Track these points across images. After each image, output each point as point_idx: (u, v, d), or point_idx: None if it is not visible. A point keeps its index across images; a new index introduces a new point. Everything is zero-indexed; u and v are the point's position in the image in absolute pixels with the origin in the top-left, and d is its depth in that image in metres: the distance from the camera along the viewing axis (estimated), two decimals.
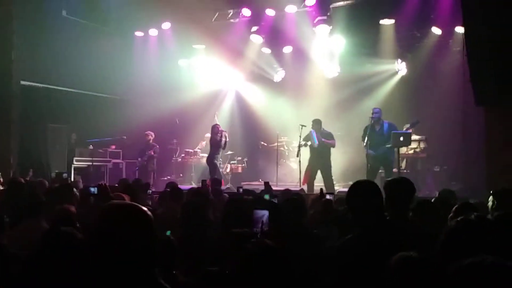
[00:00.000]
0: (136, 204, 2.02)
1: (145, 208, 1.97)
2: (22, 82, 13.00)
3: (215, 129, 12.92)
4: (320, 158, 11.29)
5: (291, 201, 5.00)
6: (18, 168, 12.24)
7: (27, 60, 12.80)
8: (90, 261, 1.95)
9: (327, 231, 4.84)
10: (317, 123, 11.44)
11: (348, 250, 3.07)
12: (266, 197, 6.13)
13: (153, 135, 14.09)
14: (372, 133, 10.73)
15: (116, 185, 8.22)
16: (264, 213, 3.85)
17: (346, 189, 10.61)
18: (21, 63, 12.72)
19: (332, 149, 11.52)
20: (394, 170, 10.92)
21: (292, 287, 2.74)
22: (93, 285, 1.93)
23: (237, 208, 4.37)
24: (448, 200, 5.33)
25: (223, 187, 10.97)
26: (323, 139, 11.29)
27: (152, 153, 13.91)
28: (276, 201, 5.84)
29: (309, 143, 11.56)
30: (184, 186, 9.40)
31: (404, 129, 11.13)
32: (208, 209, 5.65)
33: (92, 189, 6.33)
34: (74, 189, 6.32)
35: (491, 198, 4.69)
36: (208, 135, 15.43)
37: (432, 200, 5.16)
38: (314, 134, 11.37)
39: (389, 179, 4.62)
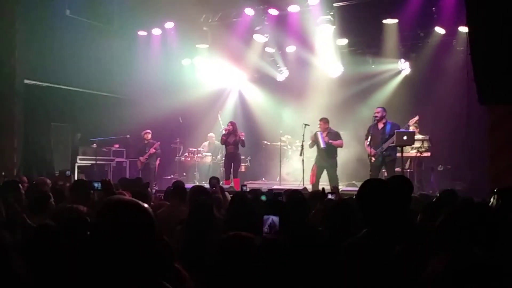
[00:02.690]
0: (135, 200, 1.97)
1: (145, 205, 1.93)
2: (26, 81, 13.04)
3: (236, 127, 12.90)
4: (326, 158, 11.25)
5: (295, 199, 5.02)
6: (22, 167, 12.27)
7: (31, 59, 12.83)
8: (88, 259, 1.91)
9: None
10: (324, 122, 11.42)
11: (359, 248, 3.07)
12: (263, 198, 6.26)
13: (151, 133, 14.12)
14: (375, 132, 10.75)
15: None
16: (275, 218, 3.85)
17: (349, 188, 10.62)
18: (25, 62, 12.75)
19: (338, 148, 11.51)
20: (397, 169, 10.92)
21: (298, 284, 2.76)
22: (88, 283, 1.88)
23: (242, 206, 4.37)
24: (449, 200, 5.29)
25: (226, 186, 10.98)
26: (330, 141, 11.25)
27: (154, 150, 13.94)
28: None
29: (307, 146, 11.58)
30: (188, 185, 9.39)
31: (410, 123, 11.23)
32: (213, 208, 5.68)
33: (95, 185, 6.26)
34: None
35: (494, 196, 4.67)
36: (212, 134, 15.47)
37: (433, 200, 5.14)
38: (321, 136, 11.34)
39: (388, 177, 4.65)
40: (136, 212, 1.88)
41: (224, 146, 13.11)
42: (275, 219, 3.75)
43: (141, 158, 13.98)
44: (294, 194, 5.88)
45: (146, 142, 14.06)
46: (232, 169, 12.69)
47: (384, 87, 14.29)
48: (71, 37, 13.61)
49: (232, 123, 12.92)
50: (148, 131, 14.10)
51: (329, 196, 6.38)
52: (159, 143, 14.15)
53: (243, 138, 12.67)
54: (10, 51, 12.56)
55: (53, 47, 13.22)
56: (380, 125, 10.80)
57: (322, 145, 11.24)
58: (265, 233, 3.70)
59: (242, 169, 14.84)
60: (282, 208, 4.34)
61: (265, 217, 3.75)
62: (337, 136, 11.41)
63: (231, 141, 12.73)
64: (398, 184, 3.92)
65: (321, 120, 11.44)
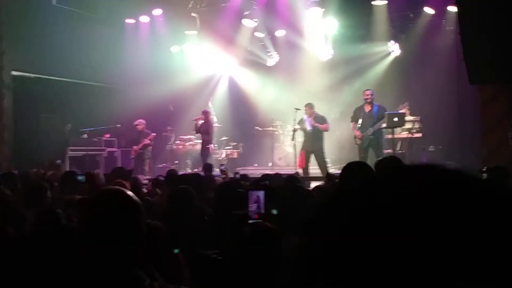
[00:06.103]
0: (122, 189, 1.96)
1: (131, 193, 1.92)
2: (13, 73, 12.91)
3: (208, 115, 13.01)
4: (312, 142, 11.23)
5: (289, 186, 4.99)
6: (12, 159, 12.19)
7: (18, 50, 12.70)
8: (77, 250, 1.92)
9: None
10: (310, 107, 11.39)
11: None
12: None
13: (144, 123, 13.93)
14: (363, 115, 10.74)
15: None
16: (259, 194, 3.79)
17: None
18: (12, 54, 12.61)
19: (325, 132, 11.50)
20: (388, 150, 10.93)
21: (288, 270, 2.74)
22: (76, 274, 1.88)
23: (230, 191, 4.34)
24: None
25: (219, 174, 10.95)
26: (316, 124, 11.23)
27: (148, 141, 13.85)
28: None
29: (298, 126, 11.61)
30: (180, 173, 9.37)
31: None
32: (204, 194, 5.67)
33: (80, 178, 6.18)
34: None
35: (484, 175, 4.68)
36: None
37: None
38: (307, 120, 11.33)
39: (379, 158, 4.63)
40: (121, 200, 1.87)
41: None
42: (261, 194, 3.70)
43: (134, 147, 13.89)
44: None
45: (138, 132, 13.93)
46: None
47: (374, 69, 14.23)
48: (58, 27, 13.44)
49: (203, 112, 13.04)
50: (139, 121, 13.85)
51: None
52: (155, 134, 13.99)
53: (203, 124, 12.87)
54: None
55: (40, 37, 13.07)
56: (368, 108, 10.78)
57: (308, 127, 11.22)
58: (251, 209, 3.66)
59: (234, 155, 14.83)
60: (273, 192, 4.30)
61: (250, 192, 3.70)
62: (323, 120, 11.38)
63: (202, 129, 12.87)
64: (389, 164, 3.90)
65: (306, 105, 11.42)
